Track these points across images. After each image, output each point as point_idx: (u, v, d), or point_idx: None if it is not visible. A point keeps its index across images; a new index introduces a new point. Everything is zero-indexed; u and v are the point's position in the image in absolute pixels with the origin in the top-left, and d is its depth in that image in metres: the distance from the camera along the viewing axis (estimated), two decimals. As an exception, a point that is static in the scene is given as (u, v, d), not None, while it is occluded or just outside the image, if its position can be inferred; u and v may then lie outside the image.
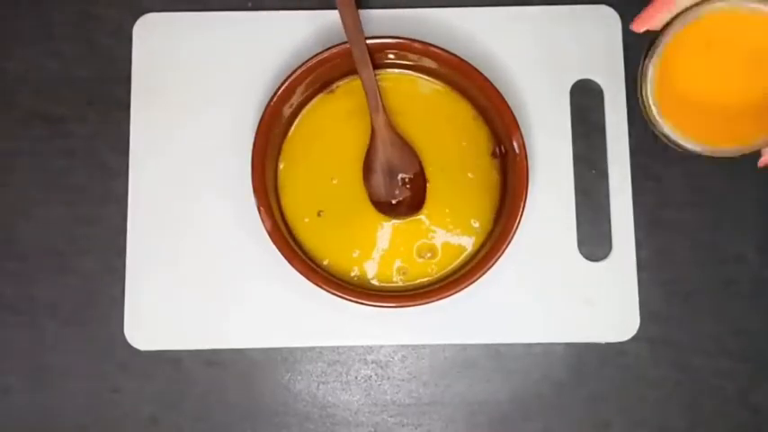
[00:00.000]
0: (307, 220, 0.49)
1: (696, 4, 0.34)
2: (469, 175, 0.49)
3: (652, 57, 0.35)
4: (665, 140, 0.37)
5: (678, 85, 0.36)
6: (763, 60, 0.35)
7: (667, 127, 0.36)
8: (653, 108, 0.36)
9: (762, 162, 0.37)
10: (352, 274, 0.48)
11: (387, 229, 0.49)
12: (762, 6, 0.33)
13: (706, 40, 0.35)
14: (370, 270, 0.48)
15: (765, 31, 0.34)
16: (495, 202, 0.49)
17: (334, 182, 0.49)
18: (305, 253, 0.48)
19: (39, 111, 0.51)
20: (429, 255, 0.49)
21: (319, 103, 0.50)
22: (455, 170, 0.49)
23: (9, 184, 0.51)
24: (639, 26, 0.37)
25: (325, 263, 0.48)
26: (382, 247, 0.49)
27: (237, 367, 0.49)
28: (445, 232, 0.49)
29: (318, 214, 0.49)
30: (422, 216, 0.49)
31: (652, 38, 0.36)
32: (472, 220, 0.49)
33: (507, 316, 0.49)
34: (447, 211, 0.49)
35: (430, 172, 0.49)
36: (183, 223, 0.50)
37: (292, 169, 0.49)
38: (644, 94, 0.36)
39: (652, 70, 0.35)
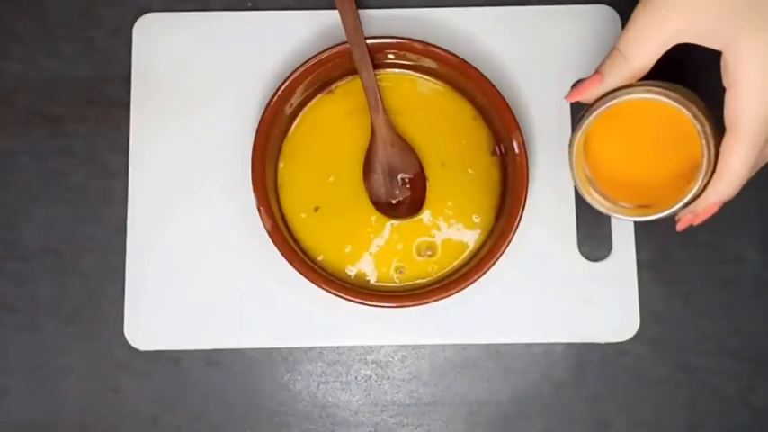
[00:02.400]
0: (303, 215, 0.49)
1: (617, 90, 0.38)
2: (470, 171, 0.49)
3: (577, 132, 0.39)
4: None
5: (599, 160, 0.41)
6: (670, 143, 0.39)
7: (589, 195, 0.40)
8: (577, 179, 0.40)
9: (679, 227, 0.42)
10: (350, 272, 0.48)
11: (386, 226, 0.49)
12: (661, 98, 0.37)
13: (622, 123, 0.40)
14: (369, 268, 0.48)
15: (667, 118, 0.38)
16: (496, 199, 0.49)
17: (331, 179, 0.49)
18: (302, 249, 0.48)
19: (39, 111, 0.51)
20: (429, 253, 0.49)
21: (319, 103, 0.50)
22: (455, 166, 0.49)
23: (9, 184, 0.51)
24: (572, 98, 0.41)
25: (320, 258, 0.48)
26: (381, 245, 0.49)
27: (237, 367, 0.49)
28: (446, 228, 0.49)
29: (315, 210, 0.49)
30: (422, 214, 0.49)
31: (581, 113, 0.40)
32: (474, 216, 0.49)
33: (507, 316, 0.49)
34: (448, 205, 0.49)
35: (430, 169, 0.49)
36: (183, 223, 0.50)
37: (292, 168, 0.49)
38: (570, 163, 0.40)
39: (576, 143, 0.39)
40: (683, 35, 0.38)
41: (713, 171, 0.38)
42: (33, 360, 0.49)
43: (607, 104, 0.38)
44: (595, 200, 0.40)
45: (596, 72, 0.40)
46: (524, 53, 0.51)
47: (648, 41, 0.38)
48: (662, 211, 0.39)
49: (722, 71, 0.38)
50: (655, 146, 0.40)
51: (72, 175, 0.51)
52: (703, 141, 0.37)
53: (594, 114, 0.39)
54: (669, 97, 0.38)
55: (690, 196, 0.38)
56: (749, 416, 0.49)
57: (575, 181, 0.40)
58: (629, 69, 0.39)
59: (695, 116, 0.37)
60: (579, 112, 0.50)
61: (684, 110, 0.37)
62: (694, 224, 0.41)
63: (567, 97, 0.41)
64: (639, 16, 0.38)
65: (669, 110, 0.38)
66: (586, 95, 0.40)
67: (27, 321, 0.50)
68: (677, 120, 0.38)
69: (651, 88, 0.38)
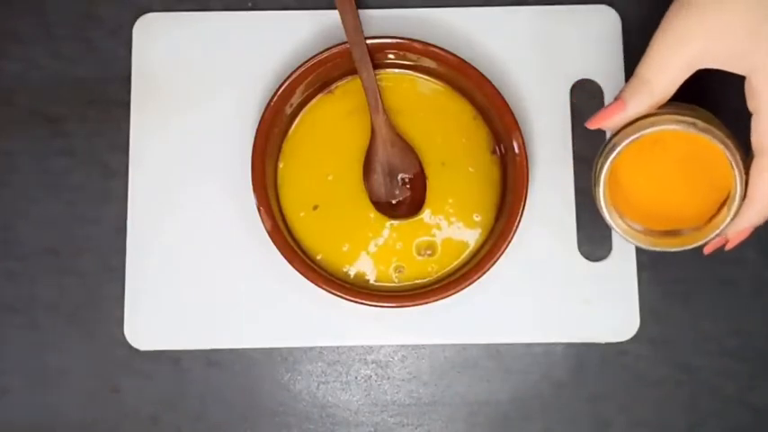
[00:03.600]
0: (302, 214, 0.49)
1: (642, 120, 0.38)
2: (470, 169, 0.49)
3: (604, 165, 0.39)
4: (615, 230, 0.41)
5: (625, 189, 0.41)
6: (697, 170, 0.40)
7: (617, 224, 0.41)
8: (605, 210, 0.40)
9: (707, 250, 0.41)
10: (349, 272, 0.48)
11: (385, 226, 0.49)
12: (689, 129, 0.37)
13: (647, 152, 0.40)
14: (368, 267, 0.48)
15: (693, 146, 0.38)
16: (496, 198, 0.49)
17: (330, 178, 0.49)
18: (301, 248, 0.48)
19: (39, 111, 0.51)
20: (428, 252, 0.49)
21: (319, 102, 0.50)
22: (455, 165, 0.49)
23: (9, 184, 0.51)
24: (593, 125, 0.40)
25: (319, 257, 0.48)
26: (380, 244, 0.49)
27: (237, 367, 0.49)
28: (447, 227, 0.49)
29: (314, 209, 0.49)
30: (422, 213, 0.49)
31: (606, 142, 0.40)
32: (474, 215, 0.49)
33: (507, 316, 0.49)
34: (449, 204, 0.49)
35: (430, 168, 0.49)
36: (183, 223, 0.50)
37: (291, 167, 0.49)
38: (597, 194, 0.40)
39: (604, 174, 0.39)
40: (706, 60, 0.37)
41: (744, 196, 0.38)
42: (33, 360, 0.49)
43: (632, 138, 0.38)
44: (624, 231, 0.40)
45: (618, 99, 0.39)
46: (524, 53, 0.51)
47: (671, 67, 0.37)
48: (697, 241, 0.39)
49: (747, 95, 0.37)
50: (681, 173, 0.40)
51: (72, 175, 0.51)
52: (735, 170, 0.37)
53: (621, 147, 0.38)
54: (697, 127, 0.37)
55: (724, 224, 0.38)
56: (749, 416, 0.49)
57: (603, 211, 0.40)
58: (652, 96, 0.38)
59: (725, 144, 0.37)
60: (582, 115, 0.50)
61: (713, 139, 0.37)
62: (725, 249, 0.41)
63: (588, 124, 0.40)
64: (660, 40, 0.38)
65: (696, 138, 0.37)
66: (609, 123, 0.39)
67: (27, 321, 0.49)
68: (704, 147, 0.38)
69: (676, 117, 0.37)
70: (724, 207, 0.39)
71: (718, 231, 0.38)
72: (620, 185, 0.41)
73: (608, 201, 0.40)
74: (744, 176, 0.37)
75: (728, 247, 0.41)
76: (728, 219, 0.38)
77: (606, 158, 0.39)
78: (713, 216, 0.40)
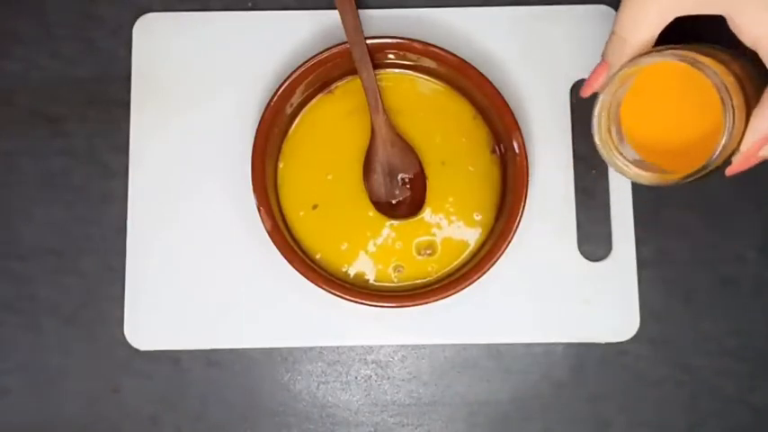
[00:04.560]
0: (302, 213, 0.49)
1: (632, 61, 0.39)
2: (470, 168, 0.49)
3: (602, 98, 0.40)
4: (623, 171, 0.41)
5: (626, 127, 0.41)
6: (695, 104, 0.39)
7: (626, 166, 0.41)
8: (602, 146, 0.41)
9: (729, 171, 0.40)
10: (349, 271, 0.48)
11: (385, 225, 0.49)
12: (672, 59, 0.37)
13: (643, 91, 0.40)
14: (368, 267, 0.48)
15: (686, 80, 0.38)
16: (497, 197, 0.49)
17: (330, 177, 0.49)
18: (300, 247, 0.48)
19: (39, 111, 0.51)
20: (428, 252, 0.49)
21: (319, 102, 0.50)
22: (455, 164, 0.49)
23: (9, 184, 0.51)
24: (586, 91, 0.41)
25: (318, 257, 0.48)
26: (379, 244, 0.49)
27: (237, 367, 0.49)
28: (447, 227, 0.49)
29: (314, 208, 0.49)
30: (422, 213, 0.49)
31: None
32: (474, 214, 0.49)
33: (507, 316, 0.49)
34: (449, 203, 0.49)
35: (430, 167, 0.49)
36: (183, 223, 0.50)
37: (291, 167, 0.49)
38: (597, 128, 0.40)
39: (605, 114, 0.40)
40: (676, 9, 0.37)
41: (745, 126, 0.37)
42: (33, 360, 0.49)
43: (621, 70, 0.38)
44: (623, 166, 0.40)
45: (602, 60, 0.40)
46: (524, 53, 0.51)
47: (643, 19, 0.38)
48: (692, 173, 0.38)
49: (736, 34, 0.37)
50: (679, 109, 0.40)
51: (72, 175, 0.51)
52: (723, 94, 0.36)
53: (613, 79, 0.39)
54: (680, 57, 0.37)
55: (718, 150, 0.37)
56: (749, 416, 0.49)
57: (600, 148, 0.40)
58: (630, 50, 0.39)
59: (707, 69, 0.36)
60: (580, 110, 0.50)
61: (697, 67, 0.36)
62: (744, 169, 0.40)
63: (582, 93, 0.42)
64: None
65: (685, 70, 0.37)
66: (597, 85, 0.40)
67: (27, 321, 0.49)
68: (695, 79, 0.37)
69: (663, 51, 0.37)
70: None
71: (718, 150, 0.37)
72: (622, 126, 0.41)
73: (605, 134, 0.40)
74: (732, 100, 0.36)
75: (745, 165, 0.40)
76: (723, 139, 0.37)
77: (607, 95, 0.39)
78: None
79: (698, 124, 0.40)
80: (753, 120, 0.38)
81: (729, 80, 0.37)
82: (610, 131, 0.40)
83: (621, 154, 0.41)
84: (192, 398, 0.49)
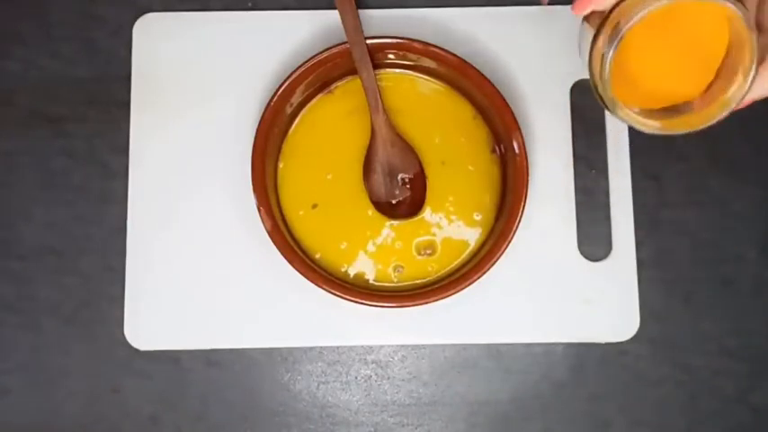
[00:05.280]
0: (302, 213, 0.49)
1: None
2: (470, 168, 0.49)
3: (613, 42, 0.36)
4: (621, 118, 0.38)
5: (631, 71, 0.38)
6: (692, 44, 0.37)
7: (625, 109, 0.38)
8: (607, 98, 0.37)
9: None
10: (349, 271, 0.48)
11: (384, 225, 0.49)
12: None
13: (659, 30, 0.37)
14: (367, 266, 0.48)
15: (703, 19, 0.36)
16: (497, 196, 0.49)
17: (329, 177, 0.49)
18: (300, 247, 0.48)
19: (39, 111, 0.51)
20: (428, 252, 0.49)
21: (319, 102, 0.50)
22: (455, 164, 0.49)
23: (9, 184, 0.51)
24: (582, 8, 0.37)
25: (317, 256, 0.48)
26: (379, 243, 0.49)
27: (237, 367, 0.49)
28: (447, 226, 0.49)
29: (313, 207, 0.49)
30: (422, 213, 0.49)
31: (603, 18, 0.36)
32: (475, 214, 0.49)
33: (507, 316, 0.49)
34: (449, 202, 0.49)
35: (430, 167, 0.49)
36: (183, 223, 0.50)
37: (291, 167, 0.49)
38: (603, 76, 0.37)
39: (611, 54, 0.36)
40: None
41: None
42: (33, 360, 0.49)
43: (641, 15, 0.34)
44: (639, 122, 0.38)
45: None
46: (524, 53, 0.51)
47: None
48: (713, 116, 0.37)
49: None
50: (676, 47, 0.38)
51: (72, 175, 0.51)
52: (748, 32, 0.35)
53: (638, 18, 0.35)
54: None
55: (744, 90, 0.36)
56: (749, 416, 0.49)
57: (604, 99, 0.37)
58: None
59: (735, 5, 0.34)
60: (582, 115, 0.50)
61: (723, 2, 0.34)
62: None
63: (573, 10, 0.38)
64: None
65: (697, 6, 0.35)
66: (602, 1, 0.37)
67: (27, 321, 0.50)
68: (702, 14, 0.35)
69: None
70: (725, 76, 0.37)
71: (738, 101, 0.36)
72: (620, 69, 0.38)
73: (612, 84, 0.37)
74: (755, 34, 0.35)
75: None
76: (749, 81, 0.36)
77: (616, 36, 0.35)
78: (710, 85, 0.38)
79: (689, 65, 0.38)
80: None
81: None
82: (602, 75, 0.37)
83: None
84: (192, 398, 0.49)
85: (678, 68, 0.38)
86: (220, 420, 0.49)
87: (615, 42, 0.36)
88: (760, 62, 0.36)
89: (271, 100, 0.47)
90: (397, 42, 0.47)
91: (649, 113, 0.39)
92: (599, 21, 0.37)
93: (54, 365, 0.49)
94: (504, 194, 0.48)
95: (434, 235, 0.49)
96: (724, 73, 0.37)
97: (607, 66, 0.36)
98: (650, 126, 0.38)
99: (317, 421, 0.49)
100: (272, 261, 0.47)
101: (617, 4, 0.36)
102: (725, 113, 0.37)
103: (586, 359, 0.49)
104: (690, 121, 0.38)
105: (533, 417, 0.49)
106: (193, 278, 0.49)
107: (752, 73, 0.36)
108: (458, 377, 0.50)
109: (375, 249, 0.49)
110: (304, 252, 0.48)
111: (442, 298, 0.46)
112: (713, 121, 0.38)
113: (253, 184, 0.46)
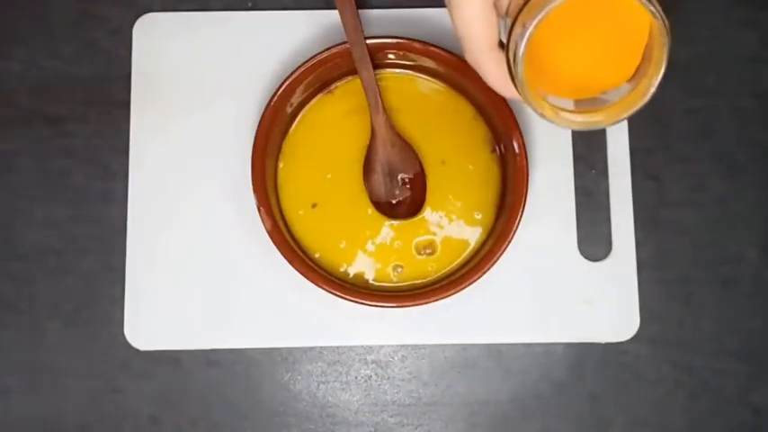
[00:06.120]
0: (301, 212, 0.49)
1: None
2: (470, 167, 0.49)
3: (521, 43, 0.33)
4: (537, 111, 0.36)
5: (553, 63, 0.36)
6: (613, 28, 0.35)
7: (537, 102, 0.36)
8: (530, 97, 0.35)
9: None
10: (348, 271, 0.48)
11: (384, 224, 0.49)
12: None
13: (572, 19, 0.35)
14: (367, 266, 0.48)
15: (622, 10, 0.34)
16: (496, 196, 0.49)
17: (329, 176, 0.49)
18: (299, 246, 0.48)
19: (39, 111, 0.51)
20: (428, 251, 0.49)
21: (319, 102, 0.50)
22: (455, 163, 0.49)
23: (9, 184, 0.51)
24: None
25: (317, 255, 0.48)
26: (379, 243, 0.49)
27: (237, 367, 0.49)
28: (447, 226, 0.49)
29: (313, 207, 0.49)
30: (422, 213, 0.49)
31: (513, 17, 0.34)
32: (475, 213, 0.49)
33: (507, 316, 0.49)
34: (449, 202, 0.49)
35: (430, 167, 0.49)
36: (183, 223, 0.50)
37: (291, 167, 0.49)
38: (518, 78, 0.35)
39: (523, 48, 0.33)
40: None
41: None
42: (34, 360, 0.49)
43: (544, 10, 0.32)
44: (556, 115, 0.36)
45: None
46: (524, 53, 0.51)
47: None
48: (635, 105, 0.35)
49: None
50: (596, 31, 0.35)
51: (72, 175, 0.51)
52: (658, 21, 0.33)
53: (538, 19, 0.33)
54: None
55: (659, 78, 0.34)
56: (749, 416, 0.49)
57: (527, 99, 0.35)
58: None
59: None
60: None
61: None
62: None
63: None
64: None
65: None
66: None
67: (27, 322, 0.49)
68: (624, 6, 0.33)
69: None
70: (648, 57, 0.35)
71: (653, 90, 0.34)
72: (537, 58, 0.35)
73: (530, 85, 0.34)
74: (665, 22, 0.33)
75: None
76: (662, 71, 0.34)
77: (522, 35, 0.33)
78: (637, 71, 0.36)
79: (611, 50, 0.36)
80: None
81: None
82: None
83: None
84: (192, 398, 0.49)
85: (602, 54, 0.36)
86: (220, 420, 0.49)
87: (523, 43, 0.33)
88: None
89: (271, 100, 0.47)
90: (397, 42, 0.47)
91: (583, 105, 0.36)
92: (511, 20, 0.35)
93: (54, 365, 0.49)
94: (504, 194, 0.48)
95: (434, 234, 0.49)
96: (647, 54, 0.35)
97: (519, 69, 0.34)
98: (578, 123, 0.36)
99: (317, 421, 0.49)
100: (272, 261, 0.47)
101: (520, 10, 0.34)
102: (645, 100, 0.35)
103: (586, 359, 0.49)
104: (616, 109, 0.36)
105: (533, 417, 0.49)
106: (193, 278, 0.49)
107: (663, 64, 0.34)
108: (458, 377, 0.49)
109: (374, 249, 0.49)
110: (303, 251, 0.48)
111: (441, 298, 0.46)
112: (636, 108, 0.35)
113: (253, 184, 0.46)
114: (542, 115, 0.36)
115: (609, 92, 0.37)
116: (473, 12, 0.36)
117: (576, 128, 0.37)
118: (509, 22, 0.35)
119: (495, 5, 0.36)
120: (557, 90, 0.37)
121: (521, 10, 0.34)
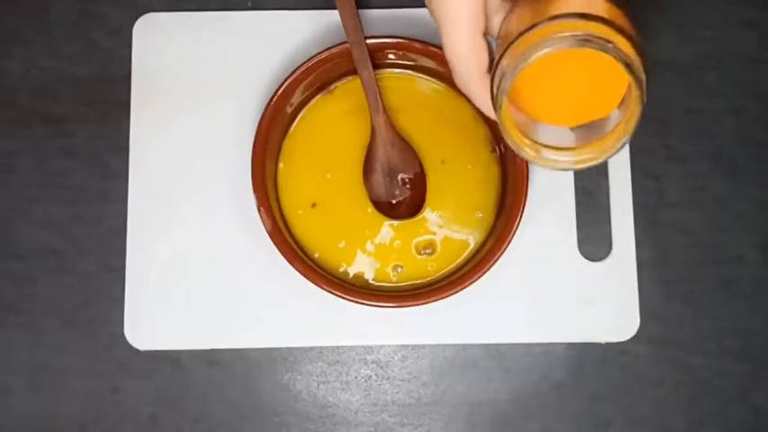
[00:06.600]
0: (301, 212, 0.49)
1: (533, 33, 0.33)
2: (470, 167, 0.49)
3: (503, 91, 0.34)
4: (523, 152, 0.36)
5: (532, 91, 0.36)
6: (586, 84, 0.36)
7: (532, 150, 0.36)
8: (513, 137, 0.35)
9: None
10: (348, 270, 0.48)
11: (384, 224, 0.49)
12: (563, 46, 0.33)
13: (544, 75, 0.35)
14: (367, 266, 0.48)
15: (581, 64, 0.35)
16: (496, 196, 0.49)
17: (328, 176, 0.49)
18: (299, 246, 0.48)
19: (39, 111, 0.51)
20: (428, 251, 0.49)
21: (319, 102, 0.50)
22: (455, 163, 0.49)
23: (9, 184, 0.51)
24: None
25: (316, 255, 0.48)
26: (378, 243, 0.49)
27: (237, 367, 0.49)
28: (447, 224, 0.49)
29: (313, 206, 0.49)
30: (422, 213, 0.49)
31: (496, 61, 0.35)
32: (476, 213, 0.49)
33: (507, 316, 0.49)
34: (449, 202, 0.49)
35: (430, 166, 0.49)
36: (183, 223, 0.50)
37: (291, 167, 0.49)
38: (501, 120, 0.35)
39: (508, 85, 0.34)
40: None
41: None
42: (33, 360, 0.49)
43: (526, 61, 0.32)
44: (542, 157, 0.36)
45: None
46: (524, 53, 0.51)
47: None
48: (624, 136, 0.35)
49: None
50: (581, 65, 0.35)
51: (72, 175, 0.51)
52: (635, 86, 0.33)
53: (517, 70, 0.33)
54: (579, 39, 0.32)
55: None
56: (749, 416, 0.49)
57: (511, 139, 0.35)
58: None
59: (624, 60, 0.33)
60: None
61: (605, 51, 0.32)
62: None
63: None
64: None
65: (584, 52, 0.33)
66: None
67: (27, 322, 0.49)
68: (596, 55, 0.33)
69: (563, 36, 0.32)
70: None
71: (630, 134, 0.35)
72: (524, 87, 0.35)
73: (510, 124, 0.35)
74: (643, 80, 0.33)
75: None
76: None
77: (504, 83, 0.33)
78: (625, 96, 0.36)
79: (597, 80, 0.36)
80: None
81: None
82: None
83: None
84: (192, 398, 0.49)
85: (587, 88, 0.36)
86: (220, 420, 0.49)
87: (505, 92, 0.33)
88: None
89: (271, 100, 0.47)
90: (397, 42, 0.47)
91: (581, 132, 0.37)
92: (500, 50, 0.35)
93: (54, 365, 0.49)
94: (504, 194, 0.48)
95: (434, 234, 0.49)
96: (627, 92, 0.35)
97: (501, 103, 0.34)
98: (561, 163, 0.36)
99: (317, 421, 0.49)
100: (272, 261, 0.47)
101: (508, 46, 0.34)
102: (626, 140, 0.36)
103: (586, 359, 0.49)
104: (606, 142, 0.37)
105: (533, 417, 0.49)
106: (193, 278, 0.49)
107: (637, 117, 0.35)
108: (458, 377, 0.49)
109: (374, 249, 0.49)
110: (303, 251, 0.48)
111: (441, 298, 0.45)
112: (620, 146, 0.36)
113: (253, 184, 0.46)
114: (520, 153, 0.36)
115: (601, 120, 0.37)
116: (462, 42, 0.37)
117: (557, 168, 0.36)
118: (498, 50, 0.35)
119: (486, 27, 0.37)
120: (545, 115, 0.37)
121: (510, 44, 0.34)
